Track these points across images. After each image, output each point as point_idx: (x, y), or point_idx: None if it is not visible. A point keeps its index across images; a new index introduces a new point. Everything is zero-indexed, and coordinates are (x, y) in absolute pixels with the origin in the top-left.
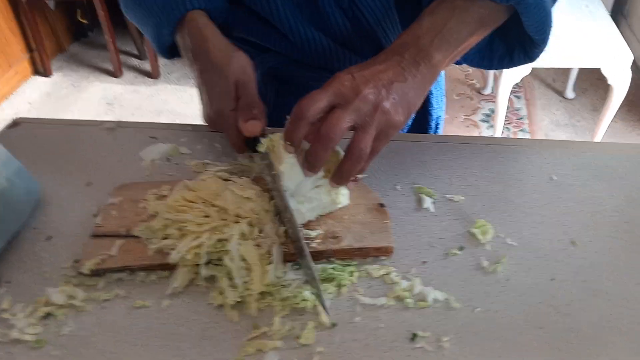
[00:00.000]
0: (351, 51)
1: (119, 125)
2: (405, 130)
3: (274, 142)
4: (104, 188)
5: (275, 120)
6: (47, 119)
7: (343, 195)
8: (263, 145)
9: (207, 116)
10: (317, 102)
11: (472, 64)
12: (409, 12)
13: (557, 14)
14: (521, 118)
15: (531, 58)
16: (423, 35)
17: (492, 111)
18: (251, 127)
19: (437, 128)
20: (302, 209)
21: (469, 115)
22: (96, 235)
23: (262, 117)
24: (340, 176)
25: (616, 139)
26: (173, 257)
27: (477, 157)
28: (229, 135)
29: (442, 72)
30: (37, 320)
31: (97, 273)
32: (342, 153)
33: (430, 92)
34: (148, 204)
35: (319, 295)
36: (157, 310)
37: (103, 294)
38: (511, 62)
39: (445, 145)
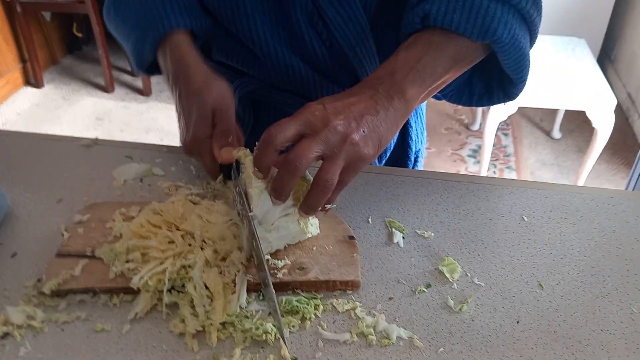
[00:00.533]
0: (328, 79)
1: (96, 142)
2: (383, 163)
3: (246, 166)
4: (74, 206)
5: (252, 143)
6: (23, 132)
7: (312, 225)
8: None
9: (184, 142)
10: (286, 130)
11: (451, 100)
12: (386, 44)
13: (544, 55)
14: (508, 155)
15: (510, 97)
16: (398, 69)
17: (480, 147)
18: (225, 154)
19: (416, 162)
20: (270, 237)
21: (456, 150)
22: (61, 255)
23: (239, 142)
24: (308, 205)
25: (600, 180)
26: (135, 282)
27: (450, 194)
28: (203, 161)
29: (424, 106)
30: None
31: (58, 294)
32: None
33: (410, 126)
34: (114, 224)
35: (279, 328)
36: (117, 335)
37: (63, 315)
38: (490, 100)
39: (418, 180)
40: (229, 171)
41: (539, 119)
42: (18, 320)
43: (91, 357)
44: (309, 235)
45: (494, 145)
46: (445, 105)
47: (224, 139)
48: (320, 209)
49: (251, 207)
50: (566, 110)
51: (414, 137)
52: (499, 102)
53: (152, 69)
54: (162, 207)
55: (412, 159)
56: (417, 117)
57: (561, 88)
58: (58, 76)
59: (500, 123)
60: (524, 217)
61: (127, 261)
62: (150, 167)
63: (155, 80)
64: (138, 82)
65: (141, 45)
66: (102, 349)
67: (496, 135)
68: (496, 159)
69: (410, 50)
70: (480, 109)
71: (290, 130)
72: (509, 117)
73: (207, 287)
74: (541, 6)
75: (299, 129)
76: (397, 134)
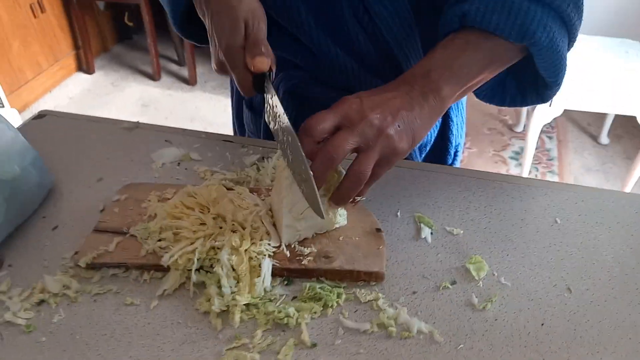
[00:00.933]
0: (372, 73)
1: (137, 126)
2: (423, 156)
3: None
4: (113, 185)
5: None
6: (71, 113)
7: (341, 216)
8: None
9: (216, 58)
10: (324, 122)
11: (484, 99)
12: (431, 38)
13: (594, 56)
14: (551, 159)
15: (543, 99)
16: (434, 68)
17: (522, 149)
18: (258, 64)
19: (455, 156)
20: (299, 226)
21: (498, 151)
22: (98, 230)
23: (269, 56)
24: (339, 196)
25: None
26: (165, 260)
27: (482, 192)
28: (236, 74)
29: (464, 100)
30: (31, 306)
31: (93, 267)
32: (344, 174)
33: (451, 119)
34: (149, 204)
35: (315, 200)
36: (145, 310)
37: (96, 287)
38: (523, 102)
39: (451, 176)
40: (262, 83)
41: (587, 123)
42: (54, 289)
43: (119, 329)
44: (337, 226)
45: (537, 148)
46: (489, 104)
47: (256, 49)
48: (350, 200)
49: (284, 195)
50: (616, 115)
51: (454, 132)
52: (532, 104)
53: (188, 30)
54: (196, 190)
55: (452, 153)
56: (458, 112)
57: (611, 91)
58: (108, 63)
59: (545, 125)
60: (557, 219)
61: (160, 240)
62: (188, 152)
63: (200, 70)
64: (184, 72)
65: None
66: (130, 322)
67: (540, 137)
68: (539, 162)
69: (447, 49)
70: (525, 110)
71: (328, 122)
72: (555, 119)
73: (234, 269)
74: (582, 9)
75: (336, 121)
76: (438, 127)
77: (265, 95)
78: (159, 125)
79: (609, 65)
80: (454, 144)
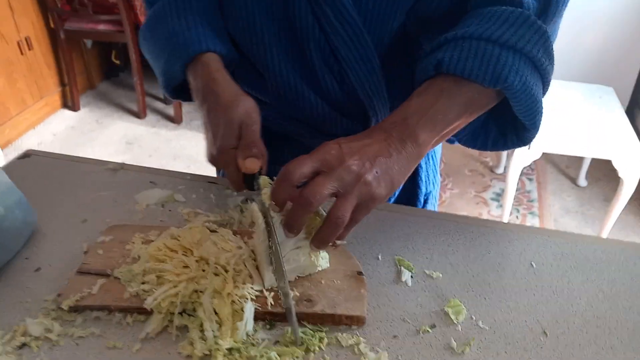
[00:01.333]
0: (339, 112)
1: (122, 167)
2: (392, 202)
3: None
4: (98, 226)
5: (266, 170)
6: (56, 153)
7: (323, 259)
8: (264, 194)
9: (210, 154)
10: (303, 167)
11: (466, 144)
12: (396, 83)
13: (571, 102)
14: (532, 200)
15: (524, 142)
16: (410, 115)
17: (503, 190)
18: (249, 164)
19: (426, 203)
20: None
21: (479, 192)
22: (81, 272)
23: (262, 156)
24: (319, 240)
25: (626, 232)
26: (148, 303)
27: (461, 236)
28: (228, 172)
29: (438, 149)
30: (12, 349)
31: (76, 309)
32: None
33: (420, 167)
34: (133, 246)
35: (294, 330)
36: (128, 354)
37: (79, 330)
38: (505, 145)
39: (430, 220)
40: (252, 182)
41: (565, 166)
42: (36, 332)
43: None
44: (320, 269)
45: (517, 190)
46: None
47: (248, 151)
48: (331, 244)
49: (272, 220)
50: (593, 158)
51: (424, 178)
52: (513, 147)
53: (177, 92)
54: (179, 232)
55: (422, 200)
56: (428, 159)
57: (587, 136)
58: (94, 100)
59: (524, 167)
60: (532, 263)
61: (143, 282)
62: (172, 193)
63: (186, 109)
64: (169, 110)
65: (172, 65)
66: None
67: (520, 179)
68: (519, 204)
69: (423, 97)
70: (505, 152)
71: (307, 167)
72: (534, 162)
73: (216, 313)
74: (553, 55)
75: (315, 166)
76: None
77: (255, 190)
78: (144, 167)
79: (584, 110)
80: (423, 191)
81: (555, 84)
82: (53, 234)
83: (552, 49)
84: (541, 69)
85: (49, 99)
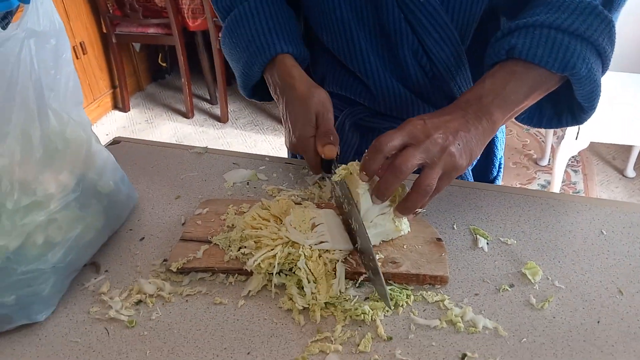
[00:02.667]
0: (425, 101)
1: (206, 151)
2: (471, 169)
3: (351, 169)
4: (190, 202)
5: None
6: (142, 139)
7: (405, 224)
8: (338, 174)
9: (290, 142)
10: (392, 140)
11: (522, 121)
12: (479, 69)
13: (619, 91)
14: (577, 192)
15: (578, 121)
16: (485, 95)
17: (548, 182)
18: (328, 151)
19: (499, 168)
20: (368, 233)
21: (524, 185)
22: (184, 240)
23: (337, 143)
24: (404, 207)
25: None
26: (249, 264)
27: (531, 208)
28: (307, 158)
29: None
30: (131, 305)
31: (182, 271)
32: (407, 188)
33: (496, 136)
34: (228, 217)
35: (384, 295)
36: (233, 308)
37: (187, 289)
38: (559, 123)
39: (500, 194)
40: (329, 166)
41: (612, 157)
42: (149, 290)
43: (211, 324)
44: (402, 233)
45: (562, 182)
46: (514, 139)
47: (325, 138)
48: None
49: (356, 202)
50: None
51: (498, 147)
52: (567, 125)
53: (254, 91)
54: (269, 203)
55: (497, 166)
56: (500, 128)
57: (636, 124)
58: (143, 102)
59: (570, 159)
60: (602, 231)
61: (241, 247)
62: (255, 173)
63: (231, 108)
64: (216, 110)
65: (251, 66)
66: (221, 319)
67: (566, 171)
68: None
69: (496, 78)
70: (549, 144)
71: (397, 140)
72: (580, 154)
73: (311, 273)
74: (615, 40)
75: (404, 139)
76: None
77: (332, 175)
78: (226, 150)
79: (633, 100)
80: (498, 157)
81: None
82: (152, 208)
83: (615, 37)
84: (604, 56)
85: (101, 100)
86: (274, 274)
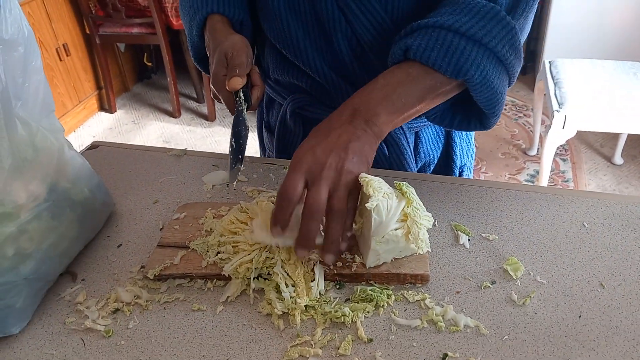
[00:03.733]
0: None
1: (185, 152)
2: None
3: (365, 182)
4: (169, 206)
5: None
6: (121, 143)
7: (422, 241)
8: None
9: (211, 80)
10: (295, 186)
11: (434, 121)
12: None
13: (605, 79)
14: (567, 181)
15: (485, 127)
16: (374, 96)
17: (537, 172)
18: (232, 83)
19: (461, 174)
20: (380, 249)
21: (513, 175)
22: (161, 245)
23: (243, 76)
24: (305, 237)
25: None
26: (227, 269)
27: (512, 202)
28: (222, 97)
29: None
30: (108, 314)
31: (160, 278)
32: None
33: (454, 141)
34: (206, 221)
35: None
36: (212, 314)
37: (165, 296)
38: (468, 127)
39: (482, 189)
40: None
41: (599, 145)
42: (127, 299)
43: (190, 331)
44: (421, 252)
45: (551, 171)
46: (502, 129)
47: (231, 72)
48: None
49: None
50: (628, 136)
51: (458, 152)
52: (475, 129)
53: (205, 64)
54: (248, 206)
55: (457, 173)
56: (461, 134)
57: (623, 111)
58: (129, 102)
59: (558, 148)
60: (584, 223)
61: (219, 252)
62: None
63: (219, 106)
64: (203, 108)
65: (190, 29)
66: (199, 325)
67: (554, 160)
68: (554, 185)
69: (389, 79)
70: (537, 133)
71: (299, 184)
72: (568, 142)
73: (289, 276)
74: (520, 49)
75: (303, 179)
76: (441, 148)
77: (236, 105)
78: (205, 152)
79: (618, 87)
80: (458, 165)
81: (586, 63)
82: (129, 214)
83: (519, 43)
84: (506, 63)
85: (87, 102)
86: (252, 279)
